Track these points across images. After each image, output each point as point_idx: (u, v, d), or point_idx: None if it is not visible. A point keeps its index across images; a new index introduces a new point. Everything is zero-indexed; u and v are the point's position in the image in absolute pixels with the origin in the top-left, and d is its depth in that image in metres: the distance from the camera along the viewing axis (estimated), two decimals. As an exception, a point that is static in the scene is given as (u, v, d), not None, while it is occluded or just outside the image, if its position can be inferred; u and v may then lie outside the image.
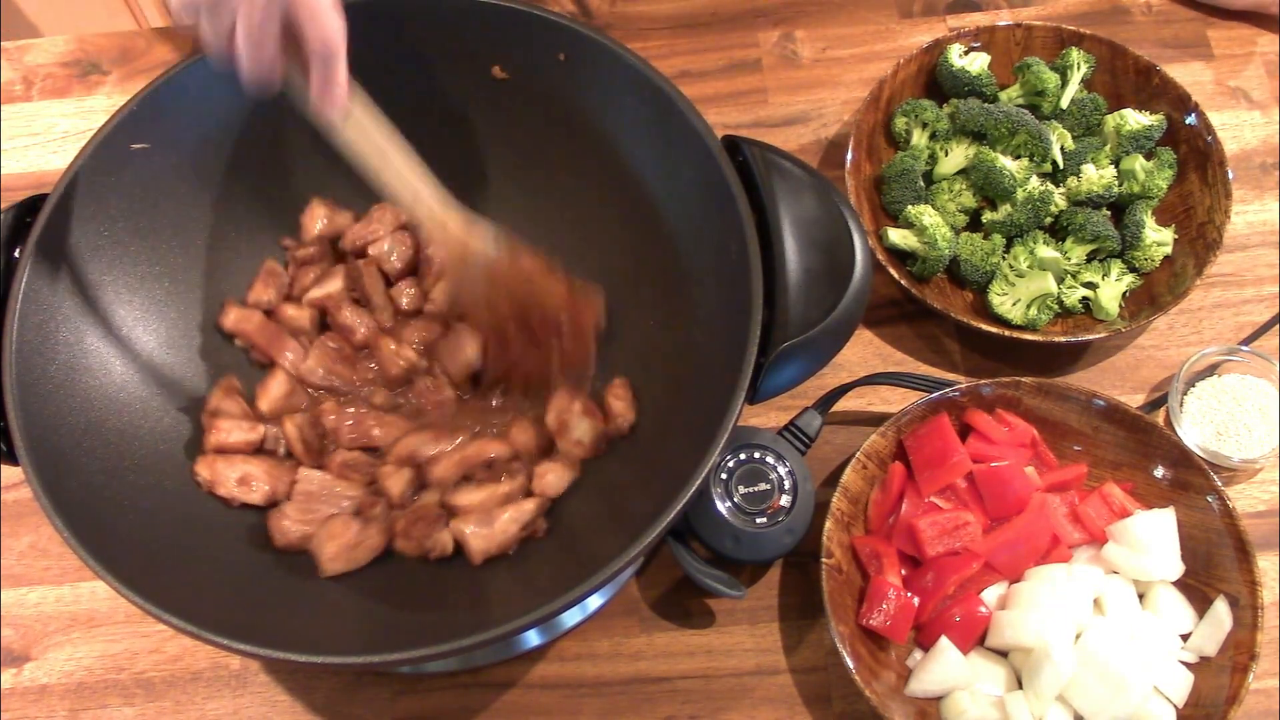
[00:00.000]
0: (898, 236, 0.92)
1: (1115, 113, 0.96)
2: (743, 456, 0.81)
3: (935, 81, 1.00)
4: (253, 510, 0.76)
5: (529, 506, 0.75)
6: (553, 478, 0.77)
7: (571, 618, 0.82)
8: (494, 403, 0.81)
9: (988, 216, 0.94)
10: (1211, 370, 0.88)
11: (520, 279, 0.75)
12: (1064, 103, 0.97)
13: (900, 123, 0.98)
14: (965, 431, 0.84)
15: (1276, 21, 1.05)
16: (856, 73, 1.06)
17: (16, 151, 1.04)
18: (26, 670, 0.83)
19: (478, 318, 0.79)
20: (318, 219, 0.85)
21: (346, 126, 0.68)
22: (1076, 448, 0.84)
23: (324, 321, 0.84)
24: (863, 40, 1.07)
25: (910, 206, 0.92)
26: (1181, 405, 0.87)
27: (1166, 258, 0.92)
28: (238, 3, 0.61)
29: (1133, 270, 0.92)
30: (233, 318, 0.82)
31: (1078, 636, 0.76)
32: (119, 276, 0.77)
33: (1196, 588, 0.79)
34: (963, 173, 0.96)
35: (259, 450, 0.79)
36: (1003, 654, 0.78)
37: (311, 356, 0.81)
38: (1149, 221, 0.91)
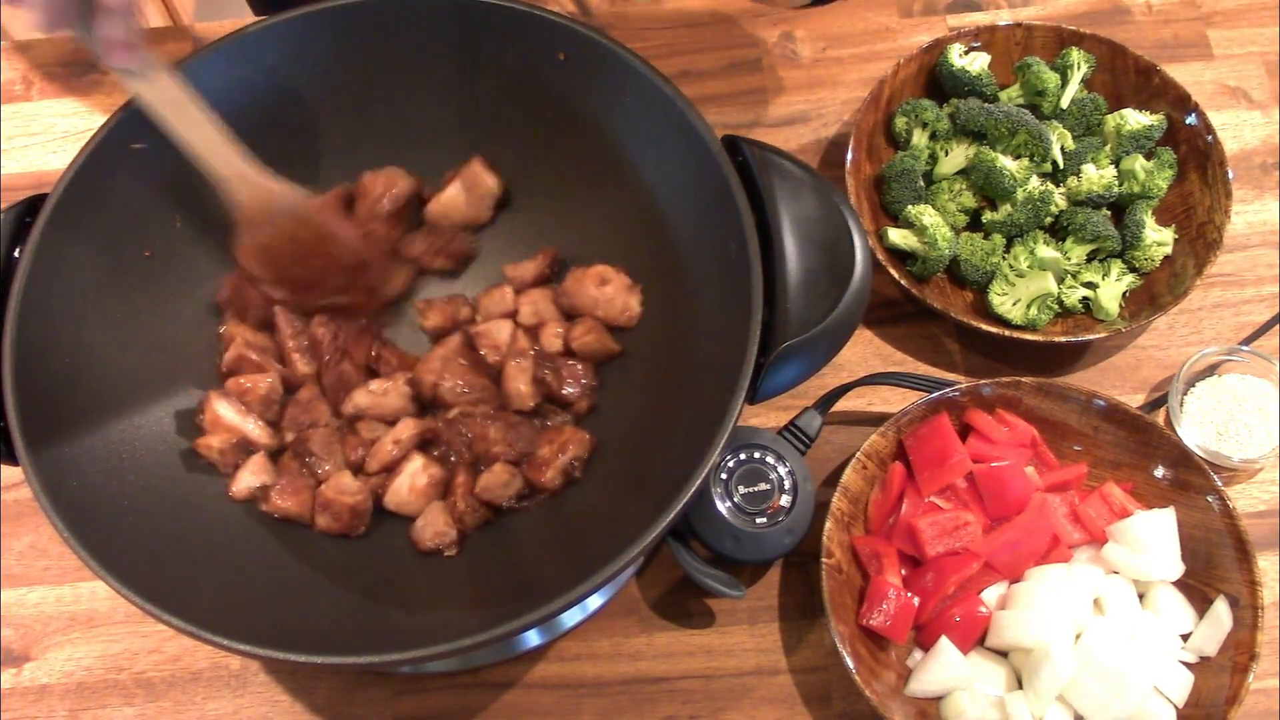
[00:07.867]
0: (898, 236, 0.92)
1: (1115, 113, 0.96)
2: (743, 456, 0.81)
3: (935, 81, 1.00)
4: (253, 510, 0.76)
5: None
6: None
7: (571, 618, 0.82)
8: None
9: (988, 216, 0.94)
10: (1211, 370, 0.88)
11: (320, 220, 0.78)
12: (1064, 103, 0.97)
13: (900, 123, 0.97)
14: (965, 431, 0.84)
15: (1276, 21, 1.05)
16: (856, 73, 1.05)
17: (16, 151, 1.04)
18: (26, 670, 0.83)
19: (281, 260, 0.79)
20: None
21: (146, 82, 0.70)
22: (1076, 448, 0.84)
23: None
24: (863, 40, 1.07)
25: (910, 206, 0.92)
26: (1181, 405, 0.87)
27: (1166, 258, 0.92)
28: None
29: (1133, 270, 0.92)
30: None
31: (1078, 636, 0.76)
32: (119, 276, 0.77)
33: (1196, 588, 0.79)
34: (963, 173, 0.96)
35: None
36: (1003, 654, 0.78)
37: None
38: (1149, 221, 0.91)
